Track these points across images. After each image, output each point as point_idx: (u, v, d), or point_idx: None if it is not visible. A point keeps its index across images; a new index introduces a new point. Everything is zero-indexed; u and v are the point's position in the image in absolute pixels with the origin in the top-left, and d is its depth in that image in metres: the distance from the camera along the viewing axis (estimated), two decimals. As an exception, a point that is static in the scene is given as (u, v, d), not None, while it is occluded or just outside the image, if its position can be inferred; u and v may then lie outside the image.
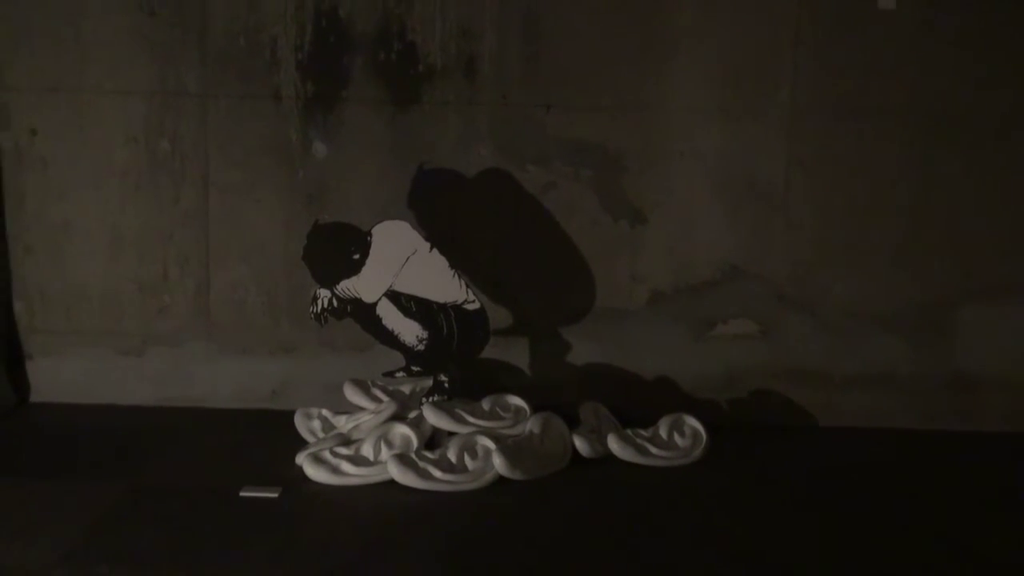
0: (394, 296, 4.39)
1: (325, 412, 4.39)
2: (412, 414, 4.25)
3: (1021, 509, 3.90)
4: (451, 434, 4.15)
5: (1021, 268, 4.69)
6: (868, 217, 4.66)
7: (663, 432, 4.36)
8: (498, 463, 3.92)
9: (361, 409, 4.27)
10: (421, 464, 3.89)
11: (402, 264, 4.38)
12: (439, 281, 4.43)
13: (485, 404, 4.39)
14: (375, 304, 4.40)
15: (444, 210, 4.63)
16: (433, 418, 4.17)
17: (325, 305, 4.41)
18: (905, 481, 4.14)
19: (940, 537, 3.59)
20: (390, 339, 4.44)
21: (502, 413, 4.34)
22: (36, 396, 4.69)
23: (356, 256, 4.39)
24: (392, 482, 3.84)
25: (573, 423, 4.35)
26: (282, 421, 4.39)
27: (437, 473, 3.87)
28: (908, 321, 4.71)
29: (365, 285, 4.39)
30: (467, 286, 4.46)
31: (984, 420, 4.72)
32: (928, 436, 4.65)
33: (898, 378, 4.73)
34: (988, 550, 3.51)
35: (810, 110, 4.59)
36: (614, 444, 4.22)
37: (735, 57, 4.58)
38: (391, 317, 4.40)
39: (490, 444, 4.01)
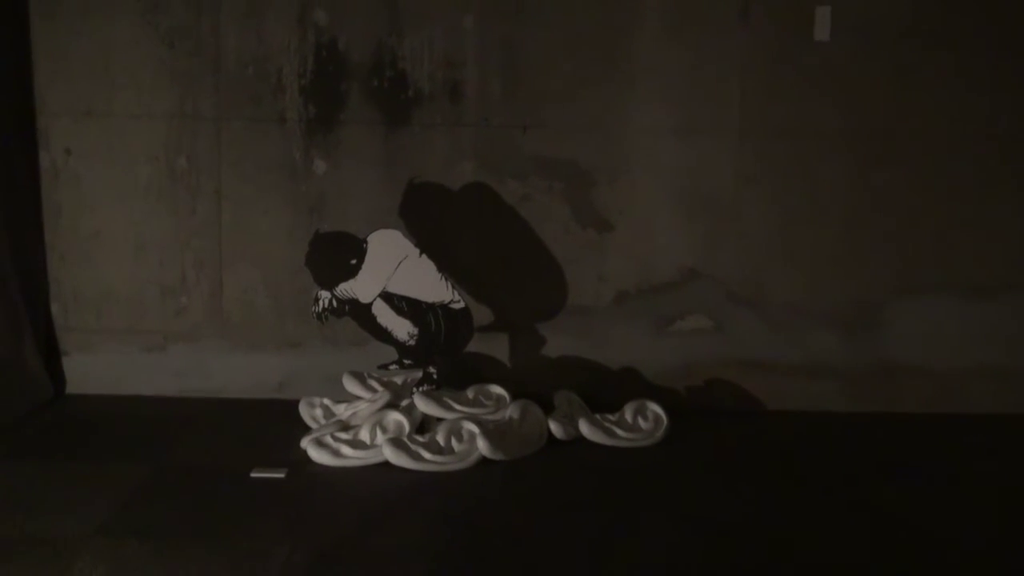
0: (388, 297, 4.43)
1: (326, 401, 4.39)
2: (404, 402, 4.25)
3: (935, 479, 3.95)
4: (439, 420, 4.17)
5: (940, 269, 4.71)
6: (807, 224, 4.68)
7: (628, 416, 4.39)
8: (482, 445, 3.94)
9: (358, 398, 4.28)
10: (413, 447, 3.91)
11: (395, 268, 4.42)
12: (428, 283, 4.47)
13: (470, 393, 4.40)
14: (371, 304, 4.45)
15: (432, 220, 4.64)
16: (423, 406, 4.20)
17: (326, 305, 4.46)
18: (840, 457, 4.19)
19: (865, 503, 3.67)
20: (384, 335, 4.49)
21: (485, 401, 4.37)
22: (71, 388, 4.69)
23: (353, 261, 4.43)
24: (387, 463, 3.86)
25: (548, 409, 4.37)
26: (288, 409, 4.38)
27: (427, 455, 3.90)
28: (842, 316, 4.73)
29: (361, 287, 4.43)
30: (453, 287, 4.50)
31: (906, 403, 4.74)
32: (859, 417, 4.66)
33: (834, 366, 4.74)
34: (907, 514, 3.58)
35: (756, 130, 4.62)
36: (585, 428, 4.25)
37: (689, 83, 4.60)
38: (385, 316, 4.44)
39: (474, 428, 4.03)
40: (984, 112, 4.65)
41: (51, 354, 4.68)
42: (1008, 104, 4.64)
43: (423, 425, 4.20)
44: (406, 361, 4.55)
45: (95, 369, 4.69)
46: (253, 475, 3.76)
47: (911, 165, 4.66)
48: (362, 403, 4.25)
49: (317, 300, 4.47)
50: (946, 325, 4.73)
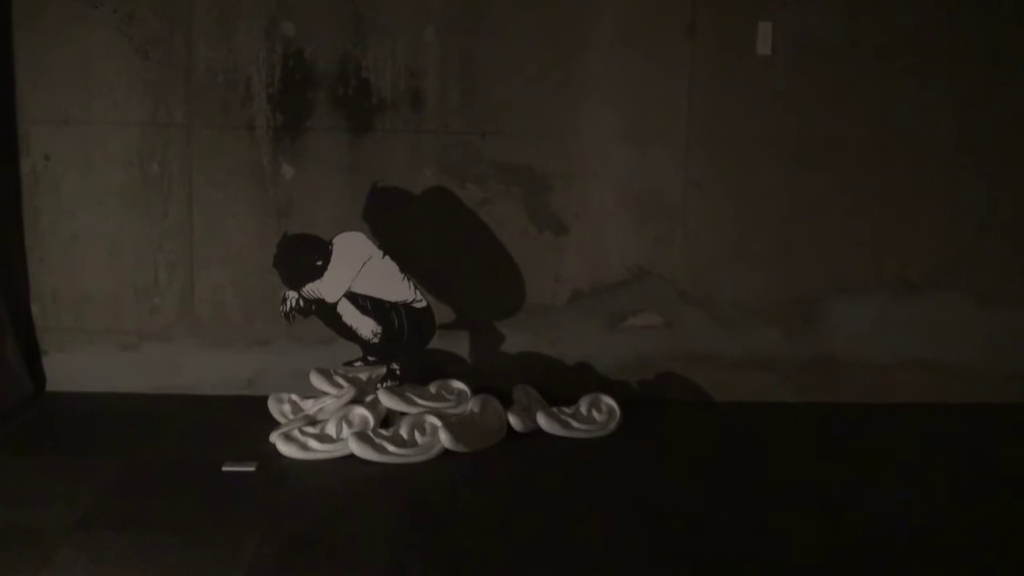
0: (352, 296, 4.43)
1: (294, 397, 4.40)
2: (369, 398, 4.27)
3: (867, 462, 4.08)
4: (403, 414, 4.19)
5: (871, 269, 4.79)
6: (750, 226, 4.74)
7: (583, 409, 4.45)
8: (444, 438, 3.99)
9: (325, 394, 4.30)
10: (377, 440, 3.94)
11: (359, 269, 4.41)
12: (391, 283, 4.46)
13: (432, 388, 4.43)
14: (336, 303, 4.44)
15: (395, 222, 4.65)
16: (387, 401, 4.21)
17: (293, 305, 4.45)
18: (781, 443, 4.28)
19: (808, 488, 3.78)
20: (349, 333, 4.50)
21: (447, 395, 4.40)
22: (50, 386, 4.68)
23: (319, 263, 4.41)
24: (352, 456, 3.89)
25: (507, 403, 4.43)
26: (257, 405, 4.40)
27: (391, 448, 3.93)
28: (783, 312, 4.79)
29: (327, 287, 4.42)
30: (415, 287, 4.49)
31: (843, 393, 4.81)
32: (799, 407, 4.74)
33: (776, 360, 4.81)
34: (842, 495, 3.70)
35: (702, 138, 4.66)
36: (542, 420, 4.31)
37: (640, 94, 4.64)
38: (350, 315, 4.45)
39: (437, 422, 4.06)
40: (913, 120, 4.73)
41: (32, 353, 4.66)
42: (934, 113, 4.73)
43: (387, 419, 4.22)
44: (370, 358, 4.56)
45: (73, 367, 4.67)
46: (225, 469, 3.78)
47: (846, 170, 4.73)
48: (328, 399, 4.26)
49: (285, 300, 4.47)
50: (878, 320, 4.82)
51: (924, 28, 4.69)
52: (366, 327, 4.47)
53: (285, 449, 3.94)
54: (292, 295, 4.47)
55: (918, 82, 4.72)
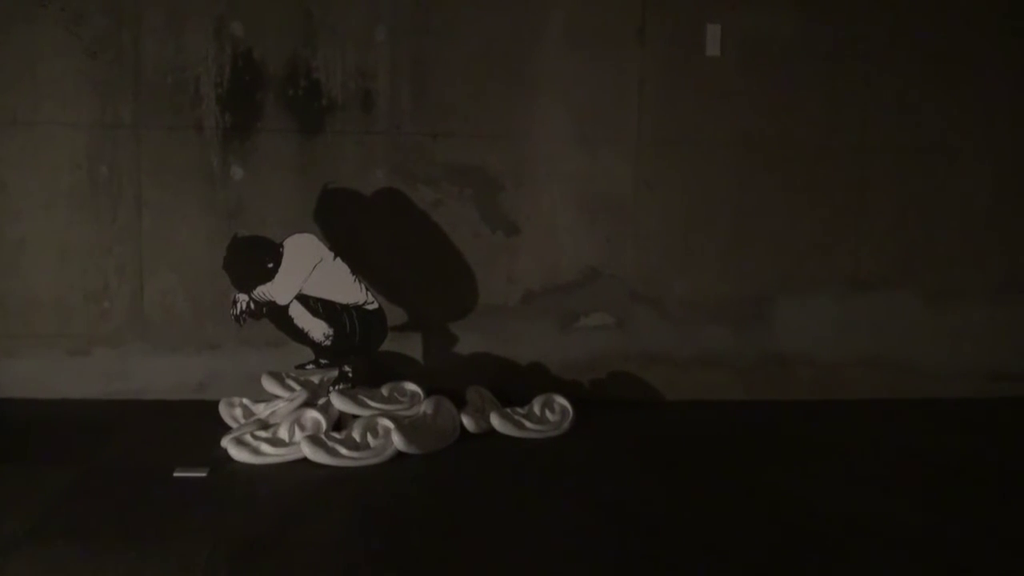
0: (303, 299, 4.48)
1: (246, 401, 4.43)
2: (321, 401, 4.29)
3: (819, 458, 4.13)
4: (355, 417, 4.21)
5: (822, 267, 4.92)
6: (701, 227, 4.84)
7: (536, 409, 4.52)
8: (397, 440, 4.02)
9: (277, 397, 4.31)
10: (330, 444, 3.96)
11: (310, 271, 4.47)
12: (342, 285, 4.52)
13: (384, 390, 4.44)
14: (287, 306, 4.48)
15: (346, 224, 4.68)
16: (339, 403, 4.23)
17: (243, 308, 4.50)
18: (733, 441, 4.35)
19: (761, 484, 3.81)
20: (301, 336, 4.55)
21: (399, 397, 4.41)
22: (0, 392, 4.64)
23: (270, 265, 4.46)
24: (305, 460, 3.90)
25: (461, 404, 4.48)
26: (208, 409, 4.42)
27: (344, 451, 3.94)
28: (733, 312, 4.91)
29: (278, 290, 4.47)
30: (367, 289, 4.55)
31: (793, 390, 4.94)
32: (750, 405, 4.85)
33: (726, 358, 4.93)
34: (795, 491, 3.74)
35: (653, 139, 4.76)
36: (496, 421, 4.37)
37: (591, 95, 4.73)
38: (301, 317, 4.50)
39: (389, 424, 4.09)
40: (858, 122, 4.84)
41: (-19, 361, 4.63)
42: (883, 114, 4.85)
43: (340, 422, 4.23)
44: (322, 361, 4.60)
45: (22, 373, 4.66)
46: (176, 474, 3.76)
47: (794, 170, 4.84)
48: (280, 402, 4.28)
49: (235, 303, 4.51)
50: (829, 318, 4.93)
51: (873, 30, 4.80)
52: (317, 330, 4.51)
53: (237, 454, 3.95)
54: (243, 298, 4.51)
55: (867, 83, 4.83)
